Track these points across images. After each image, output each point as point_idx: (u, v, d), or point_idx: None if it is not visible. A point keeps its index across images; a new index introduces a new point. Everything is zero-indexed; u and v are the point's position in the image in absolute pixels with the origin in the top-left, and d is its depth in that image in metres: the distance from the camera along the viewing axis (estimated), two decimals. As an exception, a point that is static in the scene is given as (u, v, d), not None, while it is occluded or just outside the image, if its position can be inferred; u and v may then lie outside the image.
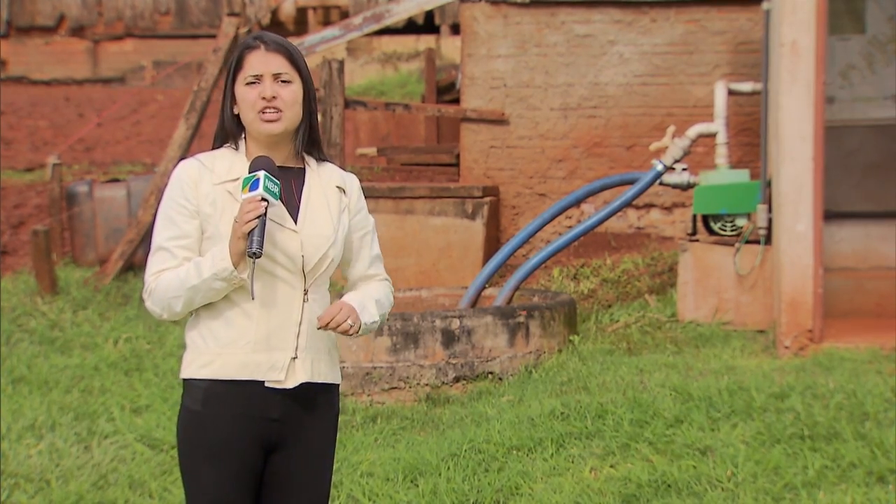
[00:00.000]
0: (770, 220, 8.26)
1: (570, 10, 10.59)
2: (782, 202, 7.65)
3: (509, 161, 10.72)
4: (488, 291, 8.89)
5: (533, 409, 6.33)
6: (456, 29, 17.12)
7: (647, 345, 8.09)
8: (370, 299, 3.35)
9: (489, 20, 10.67)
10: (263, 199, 3.09)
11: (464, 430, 6.20)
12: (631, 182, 9.14)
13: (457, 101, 12.28)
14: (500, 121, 10.68)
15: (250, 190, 3.10)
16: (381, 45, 18.74)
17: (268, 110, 3.21)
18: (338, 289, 3.72)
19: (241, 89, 3.23)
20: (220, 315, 3.21)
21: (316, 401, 3.28)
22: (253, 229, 3.07)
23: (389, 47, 18.76)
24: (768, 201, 8.33)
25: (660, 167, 9.02)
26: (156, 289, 3.24)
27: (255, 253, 3.07)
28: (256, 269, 3.14)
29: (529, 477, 5.46)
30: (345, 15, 17.76)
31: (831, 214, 8.38)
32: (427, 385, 7.55)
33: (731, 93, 9.24)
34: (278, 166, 3.20)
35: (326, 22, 18.33)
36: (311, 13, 19.41)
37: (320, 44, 11.08)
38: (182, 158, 10.10)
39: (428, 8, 12.03)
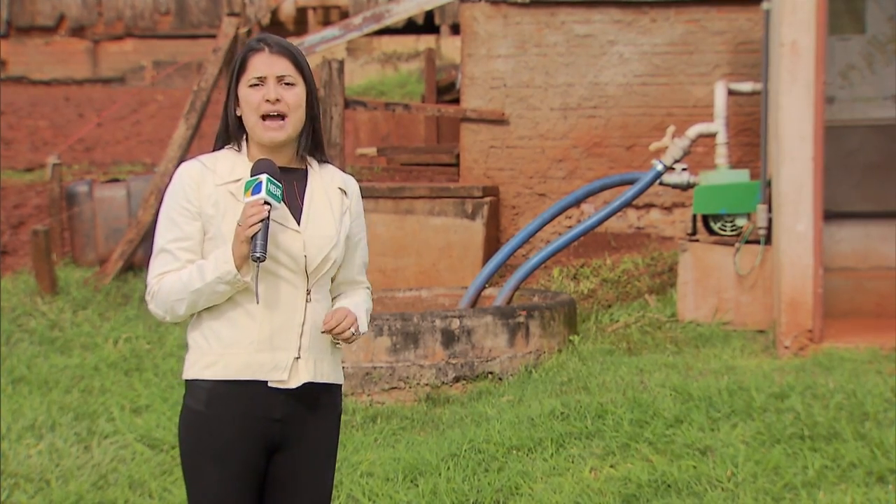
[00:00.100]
0: (770, 220, 8.26)
1: (570, 10, 10.60)
2: (782, 202, 7.65)
3: (509, 161, 10.72)
4: (488, 291, 8.90)
5: (533, 409, 6.33)
6: (456, 29, 17.14)
7: (647, 345, 8.09)
8: (362, 310, 3.38)
9: (489, 20, 10.67)
10: (266, 203, 3.09)
11: (464, 430, 6.20)
12: (631, 182, 9.15)
13: (457, 101, 12.28)
14: (500, 121, 10.68)
15: (253, 193, 3.10)
16: (381, 45, 18.75)
17: (271, 115, 3.21)
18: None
19: (244, 91, 3.23)
20: (223, 315, 3.21)
21: (319, 401, 3.29)
22: (256, 233, 3.07)
23: (389, 47, 18.77)
24: (768, 201, 8.33)
25: (660, 167, 9.02)
26: (158, 291, 3.23)
27: (258, 257, 3.07)
28: (260, 270, 3.14)
29: (529, 477, 5.46)
30: (345, 15, 17.77)
31: (831, 214, 8.38)
32: (427, 385, 7.55)
33: (731, 93, 9.24)
34: (280, 167, 3.20)
35: (326, 22, 18.34)
36: (310, 13, 19.42)
37: (320, 44, 11.08)
38: (182, 158, 10.17)
39: (428, 8, 12.02)
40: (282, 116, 3.22)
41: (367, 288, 3.51)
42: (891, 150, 9.35)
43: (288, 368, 3.21)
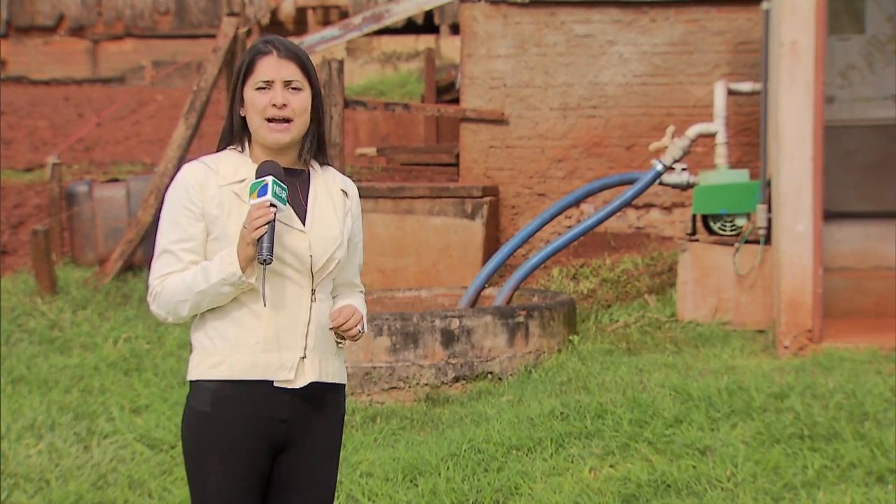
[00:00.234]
0: (769, 220, 8.26)
1: (570, 10, 10.60)
2: (782, 202, 7.65)
3: (509, 161, 10.73)
4: (488, 291, 8.90)
5: (532, 409, 6.33)
6: (455, 29, 17.14)
7: (647, 345, 8.09)
8: (363, 311, 3.39)
9: (489, 20, 10.67)
10: (272, 205, 3.08)
11: (463, 430, 6.20)
12: (630, 182, 9.15)
13: (456, 100, 12.28)
14: (499, 121, 10.68)
15: (258, 195, 3.09)
16: (380, 45, 18.75)
17: (276, 119, 3.21)
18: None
19: (250, 94, 3.23)
20: (228, 316, 3.21)
21: (324, 400, 3.29)
22: (262, 235, 3.07)
23: (389, 47, 18.77)
24: (768, 201, 8.33)
25: (659, 167, 9.02)
26: (161, 292, 3.22)
27: (265, 259, 3.07)
28: (266, 271, 3.14)
29: (529, 477, 5.46)
30: (344, 15, 17.77)
31: (831, 214, 8.38)
32: (426, 385, 7.55)
33: (730, 93, 9.24)
34: (283, 169, 3.20)
35: (326, 22, 18.34)
36: (310, 13, 19.42)
37: (320, 44, 11.09)
38: (182, 158, 10.17)
39: (427, 8, 12.03)
40: (287, 120, 3.22)
41: (361, 291, 3.52)
42: (890, 150, 9.35)
43: (294, 368, 3.21)
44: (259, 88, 3.22)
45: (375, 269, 9.83)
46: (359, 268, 3.49)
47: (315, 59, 10.95)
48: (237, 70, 3.28)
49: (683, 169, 9.12)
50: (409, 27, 17.97)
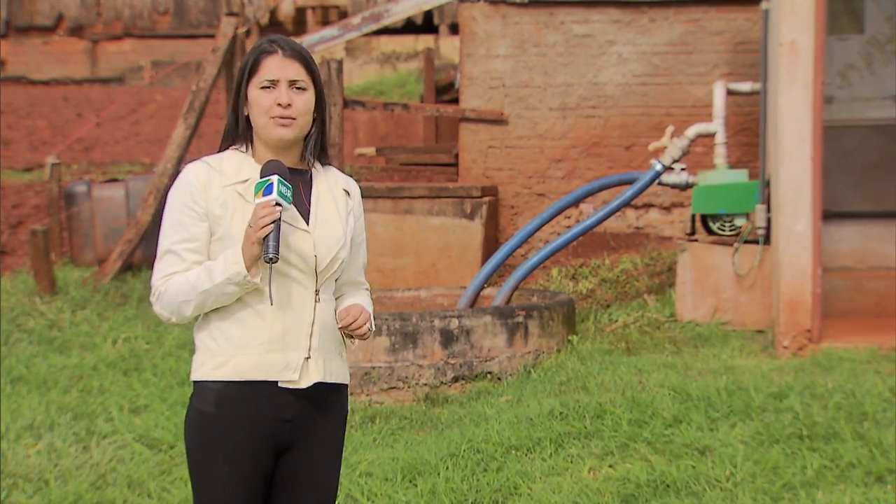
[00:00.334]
0: (769, 220, 8.27)
1: (569, 10, 10.60)
2: (781, 202, 7.65)
3: (508, 161, 10.73)
4: (487, 291, 8.89)
5: (532, 409, 6.33)
6: (455, 29, 17.14)
7: (646, 345, 8.09)
8: (370, 310, 3.38)
9: (488, 20, 10.67)
10: (277, 204, 3.08)
11: (462, 430, 6.20)
12: (630, 182, 9.15)
13: (455, 100, 12.28)
14: (498, 121, 10.68)
15: (264, 195, 3.09)
16: (379, 45, 18.76)
17: (281, 117, 3.21)
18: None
19: (254, 93, 3.22)
20: (233, 316, 3.20)
21: (328, 401, 3.29)
22: (268, 234, 3.06)
23: (388, 47, 18.77)
24: (767, 201, 8.33)
25: (658, 167, 9.02)
26: (165, 293, 3.22)
27: (271, 258, 3.06)
28: (272, 271, 3.14)
29: (528, 477, 5.46)
30: (343, 15, 17.77)
31: (830, 214, 8.38)
32: (426, 385, 7.55)
33: (729, 93, 9.24)
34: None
35: (325, 22, 18.34)
36: (309, 13, 19.42)
37: (319, 44, 11.09)
38: (181, 158, 10.17)
39: (426, 8, 12.02)
40: (291, 119, 3.22)
41: (367, 289, 3.52)
42: (889, 149, 9.35)
43: (298, 368, 3.20)
44: (264, 87, 3.21)
45: (374, 269, 9.82)
46: (363, 266, 3.49)
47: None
48: (241, 69, 3.27)
49: (682, 169, 9.12)
50: (409, 27, 17.97)
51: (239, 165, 3.25)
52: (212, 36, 12.80)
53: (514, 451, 5.79)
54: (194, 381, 3.25)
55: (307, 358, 3.22)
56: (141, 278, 9.90)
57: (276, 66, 3.21)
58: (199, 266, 3.20)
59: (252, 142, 3.28)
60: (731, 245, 8.53)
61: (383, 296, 8.99)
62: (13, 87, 18.01)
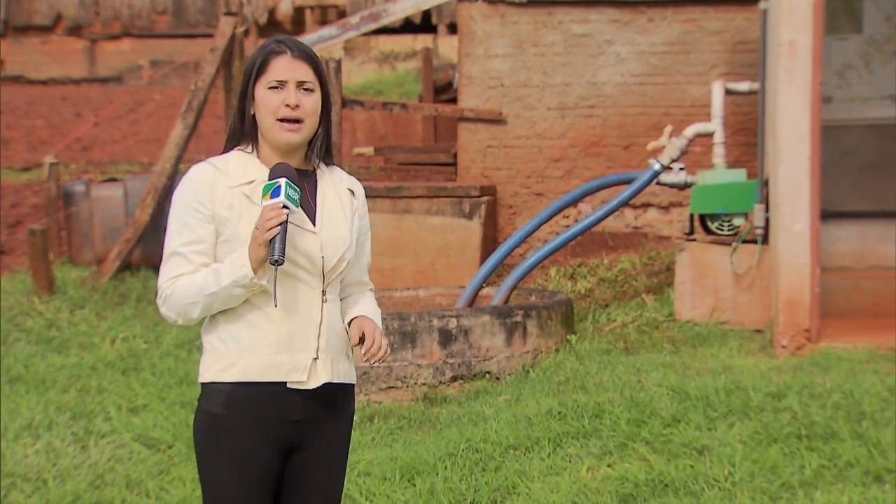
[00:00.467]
0: (767, 220, 8.27)
1: (568, 10, 10.60)
2: (779, 202, 7.65)
3: (506, 160, 10.73)
4: (485, 291, 8.90)
5: (530, 409, 6.33)
6: (453, 28, 17.14)
7: (645, 344, 8.09)
8: (378, 317, 3.40)
9: (486, 20, 10.67)
10: (285, 206, 3.07)
11: (461, 430, 6.20)
12: (628, 181, 9.15)
13: (454, 100, 12.28)
14: (497, 120, 10.69)
15: (271, 197, 3.08)
16: (378, 45, 18.76)
17: (288, 119, 3.20)
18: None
19: (262, 93, 3.21)
20: (241, 318, 3.20)
21: (335, 401, 3.29)
22: (275, 237, 3.06)
23: (387, 47, 18.77)
24: (765, 201, 8.33)
25: (657, 167, 9.02)
26: (171, 294, 3.20)
27: (277, 260, 3.06)
28: (278, 273, 3.13)
29: (526, 476, 5.46)
30: (342, 14, 17.77)
31: (828, 214, 8.39)
32: (424, 384, 7.55)
33: (728, 92, 9.25)
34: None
35: (323, 21, 18.34)
36: (308, 12, 19.43)
37: (317, 43, 11.09)
38: (179, 158, 10.17)
39: (425, 7, 12.03)
40: (298, 121, 3.22)
41: (371, 290, 3.52)
42: (888, 149, 9.35)
43: (307, 369, 3.20)
44: (272, 88, 3.20)
45: (373, 269, 9.76)
46: (367, 267, 3.49)
47: (313, 59, 10.95)
48: (248, 68, 3.25)
49: (681, 168, 9.12)
50: (407, 27, 17.98)
51: (244, 166, 3.24)
52: (210, 35, 12.80)
53: (512, 451, 5.79)
54: (202, 383, 3.24)
55: (315, 359, 3.22)
56: (139, 278, 9.90)
57: (285, 67, 3.20)
58: (205, 268, 3.19)
59: (257, 142, 3.28)
60: (730, 245, 8.53)
61: (382, 295, 8.98)
62: (11, 87, 18.01)
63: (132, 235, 9.93)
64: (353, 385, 3.37)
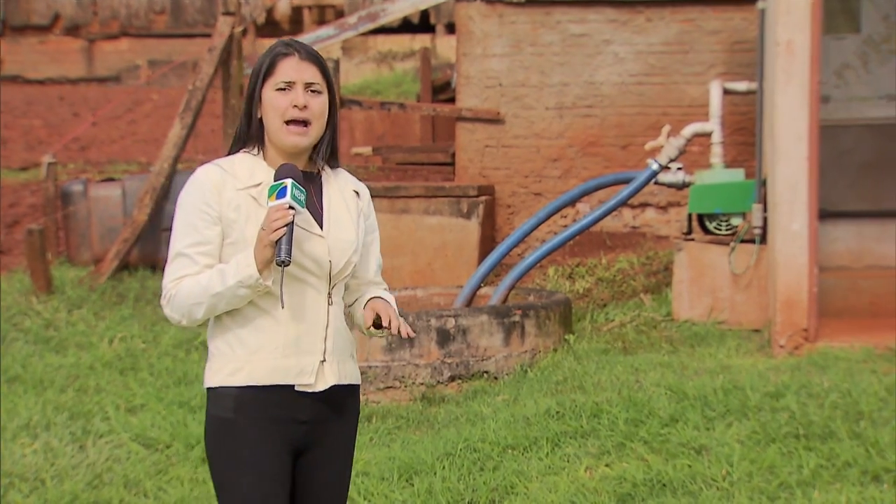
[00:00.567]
0: (765, 220, 8.27)
1: (566, 10, 10.60)
2: (777, 201, 7.65)
3: (504, 160, 10.73)
4: (483, 290, 8.89)
5: (528, 409, 6.33)
6: (451, 28, 17.13)
7: (643, 344, 8.10)
8: (391, 300, 3.40)
9: (484, 19, 10.67)
10: (291, 208, 3.07)
11: (459, 430, 6.20)
12: (626, 181, 9.15)
13: (452, 100, 12.28)
14: (495, 120, 10.69)
15: (277, 198, 3.07)
16: (376, 45, 18.76)
17: (296, 121, 3.20)
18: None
19: (269, 94, 3.21)
20: (249, 322, 3.19)
21: (342, 402, 3.30)
22: (281, 237, 3.05)
23: (385, 46, 18.77)
24: (763, 200, 8.34)
25: (655, 166, 9.02)
26: (176, 295, 3.18)
27: (283, 261, 3.05)
28: (285, 276, 3.12)
29: (525, 476, 5.47)
30: (340, 14, 17.76)
31: (826, 214, 8.39)
32: (422, 384, 7.55)
33: (726, 92, 9.25)
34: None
35: (321, 21, 18.33)
36: (306, 12, 19.42)
37: (315, 43, 11.08)
38: (177, 158, 10.17)
39: (423, 7, 12.03)
40: (306, 123, 3.21)
41: (386, 288, 3.51)
42: (886, 149, 9.36)
43: (314, 372, 3.20)
44: (279, 89, 3.20)
45: (371, 269, 9.81)
46: (379, 266, 3.48)
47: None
48: (256, 70, 3.24)
49: (679, 168, 9.12)
50: (405, 26, 17.98)
51: (251, 169, 3.23)
52: (208, 35, 12.80)
53: (510, 451, 5.79)
54: (209, 388, 3.23)
55: (322, 361, 3.22)
56: (137, 278, 9.89)
57: (293, 69, 3.20)
58: (210, 269, 3.18)
59: (264, 145, 3.27)
60: (728, 244, 8.53)
61: (380, 295, 8.97)
62: (9, 87, 17.99)
63: (130, 235, 9.93)
64: (358, 386, 3.38)
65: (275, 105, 3.20)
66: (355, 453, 6.03)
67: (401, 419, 6.87)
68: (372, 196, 3.53)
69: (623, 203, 9.13)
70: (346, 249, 3.26)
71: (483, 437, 5.92)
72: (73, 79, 19.38)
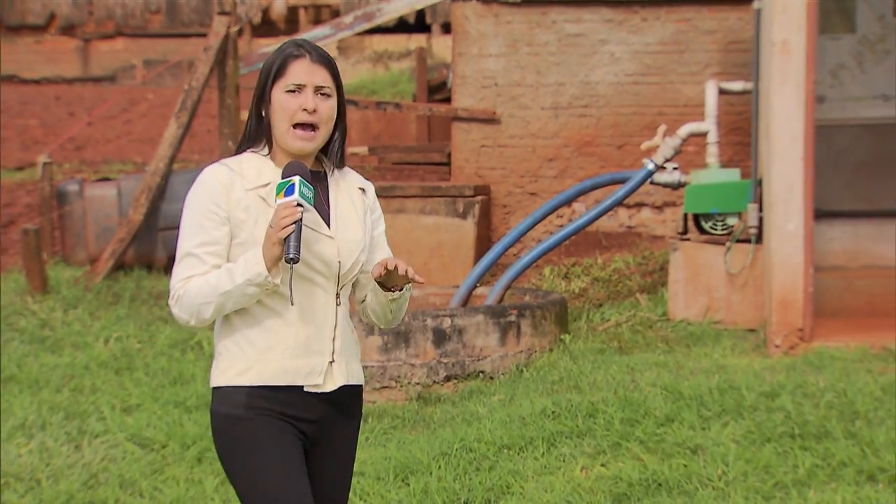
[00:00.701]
0: (761, 220, 8.28)
1: (562, 10, 10.60)
2: (773, 201, 7.66)
3: (500, 160, 10.73)
4: (479, 290, 8.89)
5: (524, 408, 6.33)
6: (447, 28, 17.11)
7: (638, 344, 8.10)
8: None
9: (480, 19, 10.67)
10: (299, 205, 3.06)
11: (455, 429, 6.20)
12: (622, 181, 9.15)
13: (448, 100, 12.28)
14: (491, 120, 10.69)
15: (285, 195, 3.07)
16: (372, 44, 18.74)
17: (304, 125, 3.18)
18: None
19: (279, 96, 3.19)
20: (258, 322, 3.18)
21: (348, 402, 3.31)
22: (289, 235, 3.04)
23: (381, 46, 18.75)
24: (759, 200, 8.34)
25: (651, 166, 9.02)
26: (184, 295, 3.17)
27: (292, 259, 3.05)
28: (294, 276, 3.12)
29: (520, 476, 5.47)
30: (336, 14, 17.75)
31: (822, 213, 8.40)
32: (418, 384, 7.55)
33: (721, 92, 9.25)
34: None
35: (317, 21, 18.32)
36: (301, 12, 19.40)
37: (311, 43, 11.06)
38: (173, 157, 10.15)
39: (419, 7, 12.03)
40: (314, 127, 3.20)
41: None
42: (881, 149, 9.37)
43: (323, 373, 3.21)
44: (289, 91, 3.18)
45: (367, 269, 9.81)
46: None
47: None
48: (266, 71, 3.22)
49: (675, 168, 9.12)
50: (401, 26, 17.96)
51: (259, 169, 3.22)
52: (204, 35, 12.78)
53: (506, 451, 5.80)
54: (215, 388, 3.22)
55: (331, 362, 3.22)
56: (133, 277, 9.88)
57: (304, 71, 3.19)
58: (219, 268, 3.17)
59: (271, 145, 3.26)
60: (723, 244, 8.54)
61: (376, 295, 8.97)
62: (5, 86, 17.96)
63: (126, 235, 9.92)
64: (362, 386, 3.39)
65: (284, 107, 3.18)
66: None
67: (397, 419, 6.87)
68: (371, 195, 3.52)
69: (619, 203, 9.13)
70: (353, 250, 3.26)
71: (479, 437, 5.92)
72: (68, 78, 19.36)
